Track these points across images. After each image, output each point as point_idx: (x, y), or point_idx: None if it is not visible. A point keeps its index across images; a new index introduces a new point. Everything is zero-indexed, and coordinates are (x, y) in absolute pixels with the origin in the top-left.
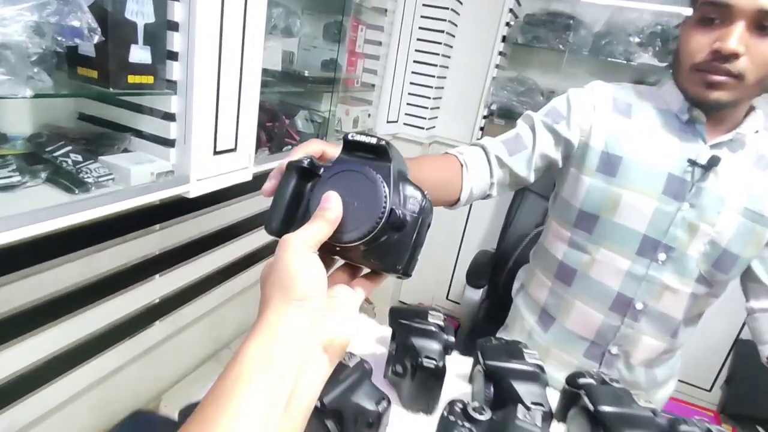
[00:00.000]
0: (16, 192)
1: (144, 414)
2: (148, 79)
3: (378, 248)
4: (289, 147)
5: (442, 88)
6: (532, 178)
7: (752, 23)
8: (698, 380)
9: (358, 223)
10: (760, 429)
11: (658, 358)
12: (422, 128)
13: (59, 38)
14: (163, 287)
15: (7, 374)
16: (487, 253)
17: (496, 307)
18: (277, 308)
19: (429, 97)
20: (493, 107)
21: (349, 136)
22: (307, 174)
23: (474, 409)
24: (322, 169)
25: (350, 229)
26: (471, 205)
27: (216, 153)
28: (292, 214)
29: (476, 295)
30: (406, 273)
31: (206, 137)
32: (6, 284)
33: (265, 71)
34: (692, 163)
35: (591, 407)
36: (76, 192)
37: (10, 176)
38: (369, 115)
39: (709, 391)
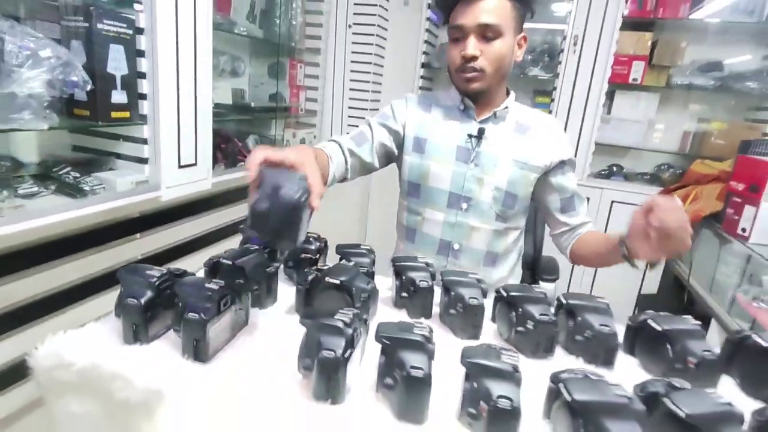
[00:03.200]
0: (35, 199)
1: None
2: (125, 114)
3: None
4: (242, 163)
5: (377, 109)
6: (377, 164)
7: (478, 34)
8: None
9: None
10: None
11: None
12: None
13: (64, 89)
14: None
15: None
16: None
17: None
18: None
19: (365, 119)
20: None
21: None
22: None
23: None
24: None
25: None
26: None
27: (180, 167)
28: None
29: None
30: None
31: (172, 155)
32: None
33: (218, 105)
34: (470, 135)
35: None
36: (77, 197)
37: (31, 188)
38: (315, 136)
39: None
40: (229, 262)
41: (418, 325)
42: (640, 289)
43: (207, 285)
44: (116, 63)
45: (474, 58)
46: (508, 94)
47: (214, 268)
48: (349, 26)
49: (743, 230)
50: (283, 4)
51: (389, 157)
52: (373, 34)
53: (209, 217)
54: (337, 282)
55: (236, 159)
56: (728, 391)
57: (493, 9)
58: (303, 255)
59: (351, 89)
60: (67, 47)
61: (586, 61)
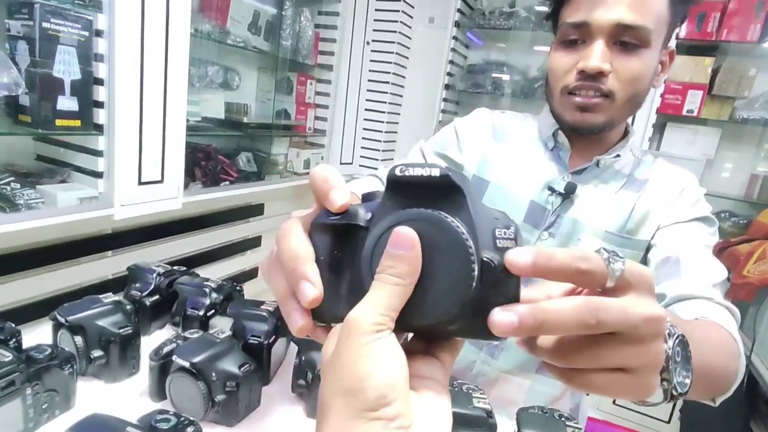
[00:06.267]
0: None
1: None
2: (75, 123)
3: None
4: (226, 183)
5: (395, 132)
6: None
7: (611, 39)
8: (657, 412)
9: (437, 296)
10: None
11: (522, 399)
12: (376, 169)
13: None
14: None
15: None
16: None
17: None
18: (341, 426)
19: (380, 141)
20: None
21: (398, 171)
22: (343, 232)
23: None
24: (366, 219)
25: (429, 306)
26: None
27: (141, 183)
28: (335, 291)
29: None
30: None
31: (130, 170)
32: None
33: (206, 119)
34: (551, 190)
35: None
36: (7, 210)
37: None
38: (322, 157)
39: (668, 422)
40: (62, 320)
41: None
42: None
43: None
44: (65, 66)
45: (601, 75)
46: (626, 132)
47: (58, 324)
48: (367, 43)
49: None
50: (290, 17)
51: None
52: (392, 52)
53: (185, 241)
54: (186, 365)
55: (218, 177)
56: None
57: (640, 1)
58: (190, 311)
59: (366, 109)
60: (13, 47)
61: None
